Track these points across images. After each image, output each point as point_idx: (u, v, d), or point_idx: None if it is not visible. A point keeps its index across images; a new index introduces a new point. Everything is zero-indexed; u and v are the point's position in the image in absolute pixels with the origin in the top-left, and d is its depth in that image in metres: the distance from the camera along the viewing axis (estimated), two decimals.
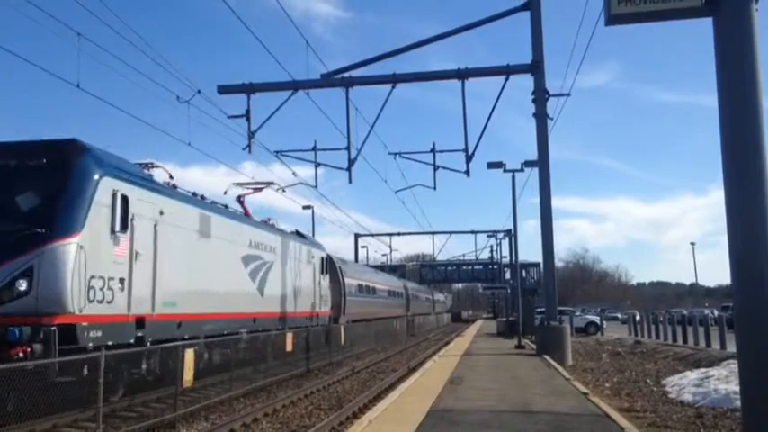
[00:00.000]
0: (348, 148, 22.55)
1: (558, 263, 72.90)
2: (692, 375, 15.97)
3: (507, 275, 61.98)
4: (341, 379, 19.25)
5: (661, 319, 33.05)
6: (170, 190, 14.46)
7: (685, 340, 26.39)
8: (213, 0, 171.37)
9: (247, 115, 22.12)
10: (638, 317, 42.11)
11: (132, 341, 12.19)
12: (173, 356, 12.65)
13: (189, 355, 12.80)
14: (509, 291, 45.88)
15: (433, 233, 67.35)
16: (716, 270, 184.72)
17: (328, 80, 22.26)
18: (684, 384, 14.84)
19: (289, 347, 19.38)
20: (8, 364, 8.89)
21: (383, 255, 74.04)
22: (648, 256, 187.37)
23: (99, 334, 11.21)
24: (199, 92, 18.58)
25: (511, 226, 41.02)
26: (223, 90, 22.31)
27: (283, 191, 26.05)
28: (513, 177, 28.55)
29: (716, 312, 43.85)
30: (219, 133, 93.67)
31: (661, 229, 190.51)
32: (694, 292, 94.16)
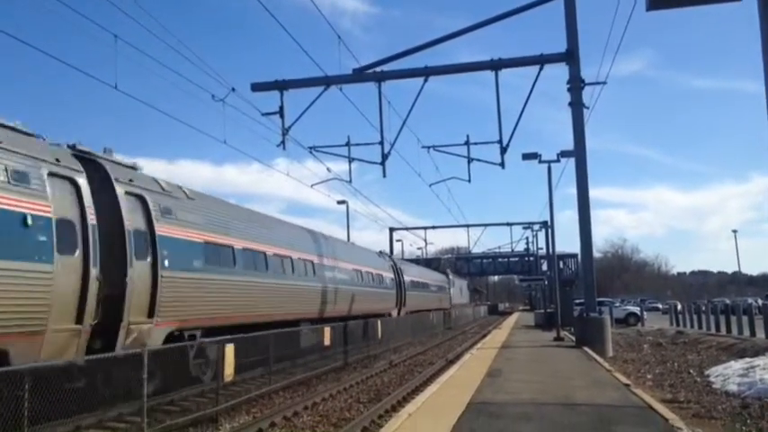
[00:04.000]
0: (381, 143, 22.57)
1: (596, 253, 72.12)
2: (737, 365, 15.65)
3: (544, 267, 61.39)
4: (379, 372, 19.32)
5: (703, 308, 32.46)
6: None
7: (729, 330, 25.90)
8: None
9: (281, 112, 22.31)
10: (679, 307, 41.42)
11: None
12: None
13: (229, 350, 12.95)
14: (546, 282, 45.46)
15: (468, 226, 66.84)
16: (759, 258, 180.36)
17: (360, 75, 22.28)
18: (729, 375, 14.56)
19: (327, 341, 19.48)
20: None
21: (418, 248, 73.77)
22: (689, 244, 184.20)
23: None
24: (233, 90, 18.69)
25: (547, 217, 40.68)
26: (256, 87, 22.51)
27: None
28: (549, 168, 28.37)
29: (760, 301, 42.94)
30: (253, 130, 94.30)
31: (701, 217, 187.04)
32: (737, 281, 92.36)
